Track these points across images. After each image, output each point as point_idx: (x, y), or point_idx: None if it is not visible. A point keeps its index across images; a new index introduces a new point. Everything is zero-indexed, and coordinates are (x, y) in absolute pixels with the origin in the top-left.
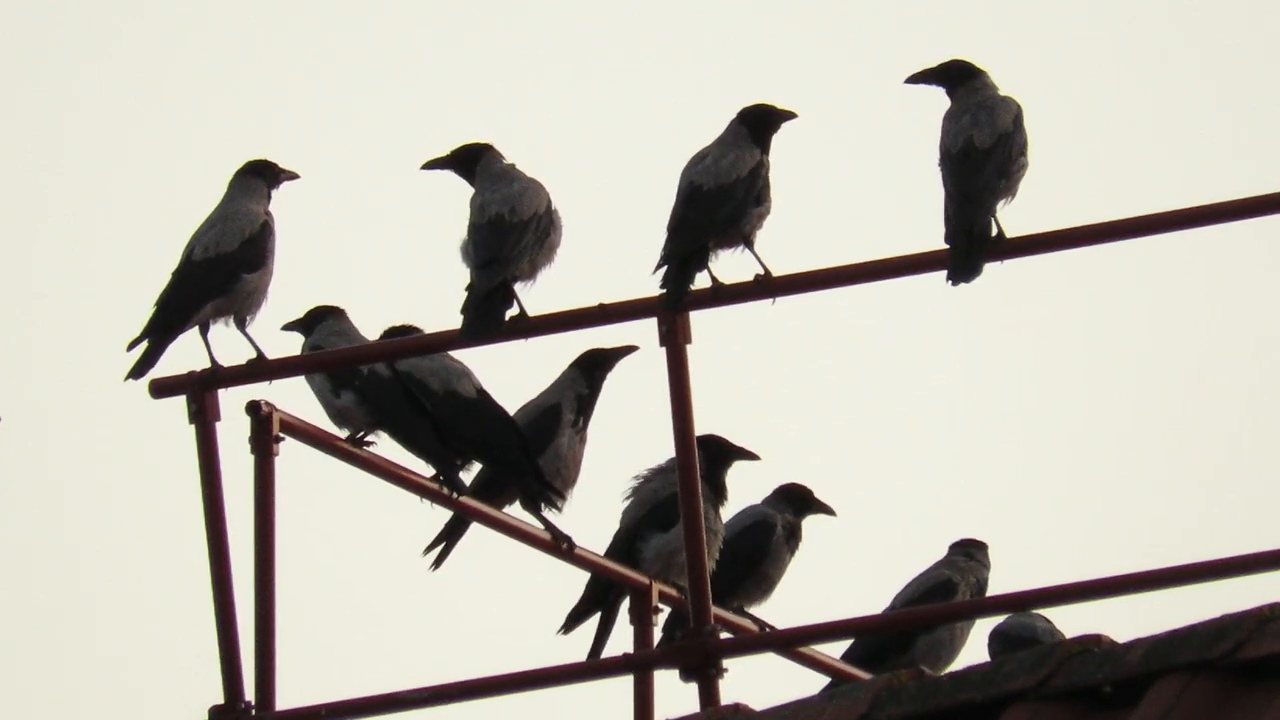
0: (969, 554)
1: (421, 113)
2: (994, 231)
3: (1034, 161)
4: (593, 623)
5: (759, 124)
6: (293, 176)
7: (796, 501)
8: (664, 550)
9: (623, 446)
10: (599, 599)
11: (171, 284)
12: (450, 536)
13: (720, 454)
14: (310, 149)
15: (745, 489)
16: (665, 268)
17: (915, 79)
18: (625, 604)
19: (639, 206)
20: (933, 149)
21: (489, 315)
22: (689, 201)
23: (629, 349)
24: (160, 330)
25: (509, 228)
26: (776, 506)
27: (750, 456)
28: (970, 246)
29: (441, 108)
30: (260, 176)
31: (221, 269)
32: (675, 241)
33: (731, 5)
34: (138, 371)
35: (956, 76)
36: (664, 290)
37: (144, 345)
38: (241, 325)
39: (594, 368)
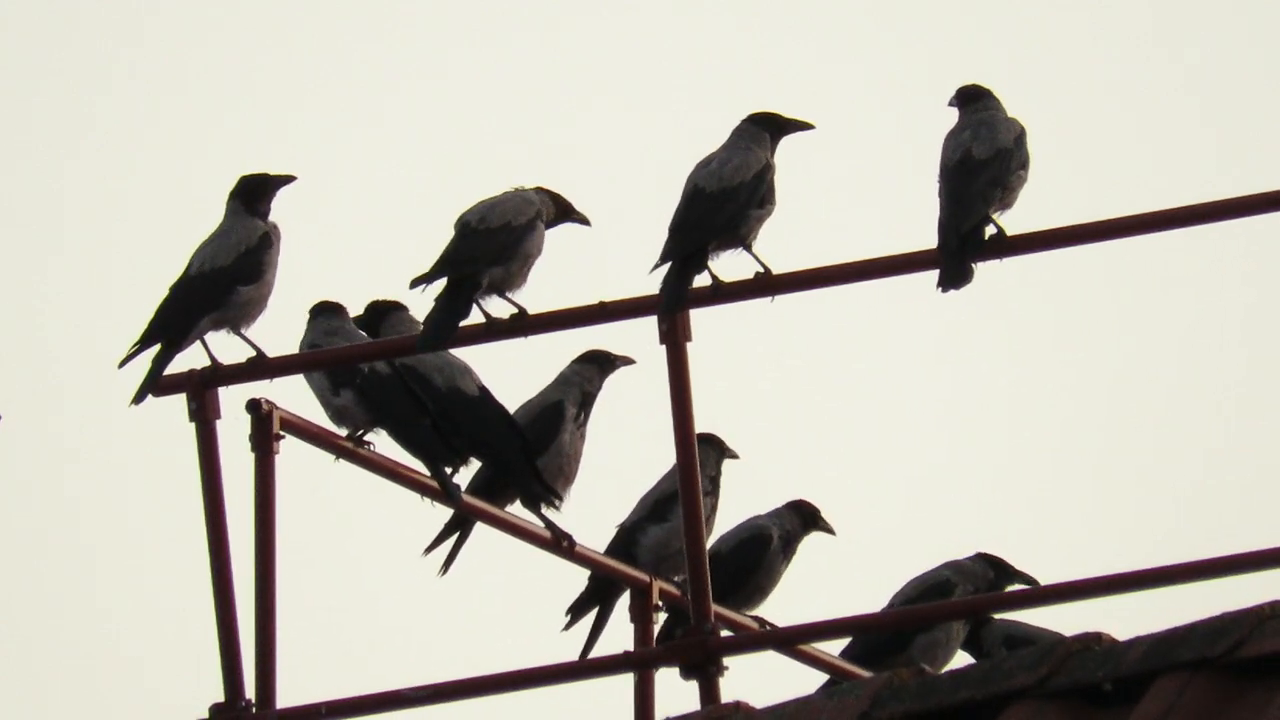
0: (973, 561)
1: (423, 112)
2: (987, 235)
3: (1034, 176)
4: (590, 620)
5: (768, 129)
6: (288, 180)
7: (805, 517)
8: (659, 541)
9: (622, 445)
10: (600, 594)
11: (168, 298)
12: (458, 539)
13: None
14: (313, 148)
15: (746, 492)
16: (665, 267)
17: (951, 103)
18: (626, 603)
19: (640, 206)
20: (932, 148)
21: (444, 323)
22: (691, 203)
23: (627, 360)
24: (155, 342)
25: (473, 233)
26: (781, 518)
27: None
28: (961, 252)
29: (443, 108)
30: (244, 198)
31: (217, 283)
32: (675, 242)
33: (734, 8)
34: (140, 395)
35: (966, 99)
36: (664, 290)
37: (147, 366)
38: (238, 333)
39: (596, 366)
